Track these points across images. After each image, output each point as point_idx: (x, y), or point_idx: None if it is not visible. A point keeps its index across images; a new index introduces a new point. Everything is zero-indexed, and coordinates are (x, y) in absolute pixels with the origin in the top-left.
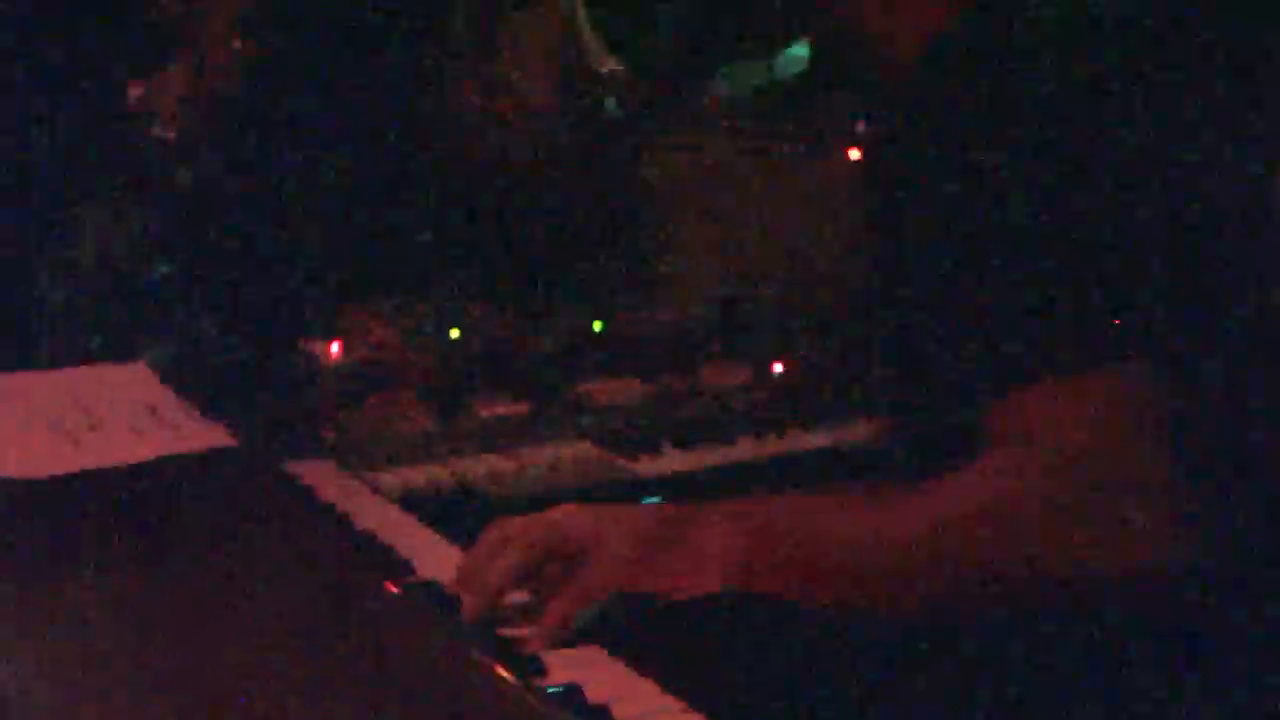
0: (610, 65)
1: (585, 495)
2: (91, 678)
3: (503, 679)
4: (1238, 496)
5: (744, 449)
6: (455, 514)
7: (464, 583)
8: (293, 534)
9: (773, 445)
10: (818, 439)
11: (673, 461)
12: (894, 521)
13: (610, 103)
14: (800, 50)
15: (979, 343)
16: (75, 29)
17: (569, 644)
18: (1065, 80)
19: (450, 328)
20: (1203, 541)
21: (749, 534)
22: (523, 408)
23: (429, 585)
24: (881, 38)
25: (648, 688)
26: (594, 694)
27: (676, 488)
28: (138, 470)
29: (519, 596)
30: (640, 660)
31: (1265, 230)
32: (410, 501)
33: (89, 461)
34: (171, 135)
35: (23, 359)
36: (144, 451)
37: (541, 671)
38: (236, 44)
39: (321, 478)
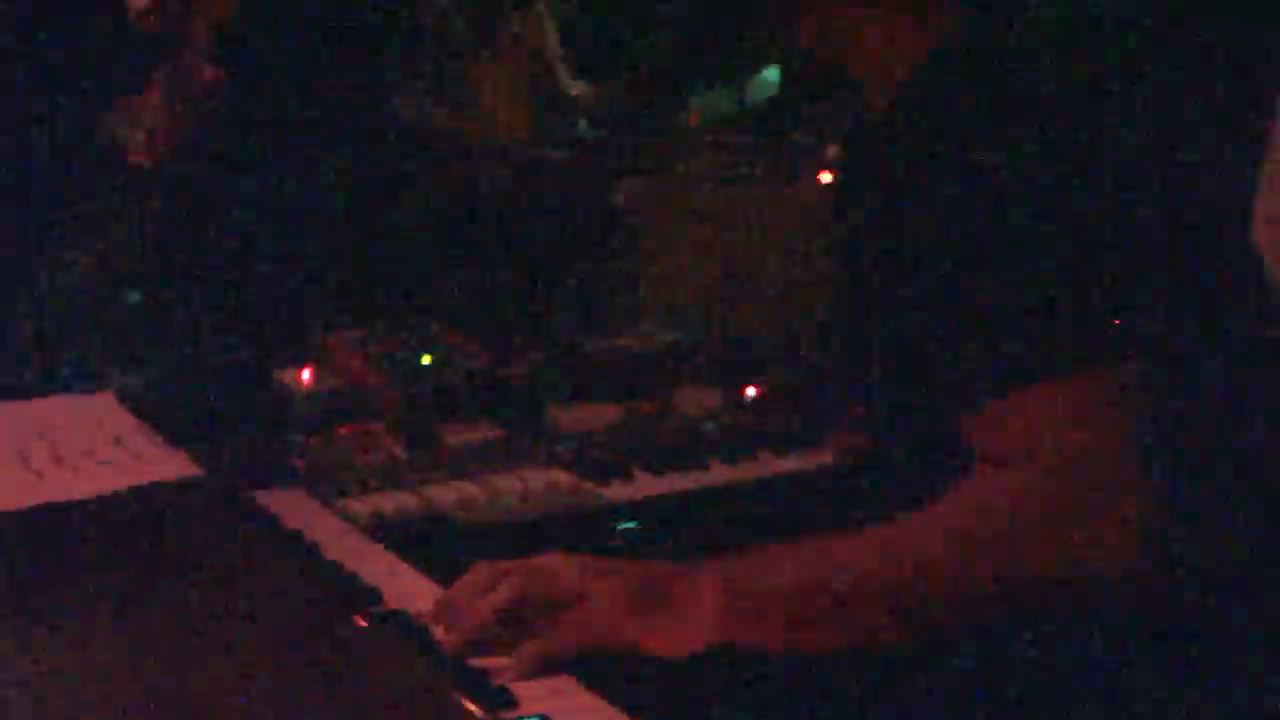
0: (582, 89)
1: (556, 522)
2: (56, 710)
3: (471, 712)
4: (1238, 496)
5: (717, 474)
6: (426, 541)
7: (443, 617)
8: (259, 564)
9: (745, 470)
10: (790, 463)
11: (644, 487)
12: (889, 559)
13: (583, 126)
14: (771, 74)
15: (978, 345)
16: (42, 56)
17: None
18: (1065, 81)
19: (420, 354)
20: (1202, 541)
21: (735, 595)
22: (493, 434)
23: (397, 615)
24: (860, 58)
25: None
26: None
27: (648, 513)
28: (102, 503)
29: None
30: (612, 691)
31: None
32: (380, 528)
33: (53, 494)
34: (144, 161)
35: None
36: (109, 484)
37: (512, 703)
38: (208, 72)
39: (290, 506)
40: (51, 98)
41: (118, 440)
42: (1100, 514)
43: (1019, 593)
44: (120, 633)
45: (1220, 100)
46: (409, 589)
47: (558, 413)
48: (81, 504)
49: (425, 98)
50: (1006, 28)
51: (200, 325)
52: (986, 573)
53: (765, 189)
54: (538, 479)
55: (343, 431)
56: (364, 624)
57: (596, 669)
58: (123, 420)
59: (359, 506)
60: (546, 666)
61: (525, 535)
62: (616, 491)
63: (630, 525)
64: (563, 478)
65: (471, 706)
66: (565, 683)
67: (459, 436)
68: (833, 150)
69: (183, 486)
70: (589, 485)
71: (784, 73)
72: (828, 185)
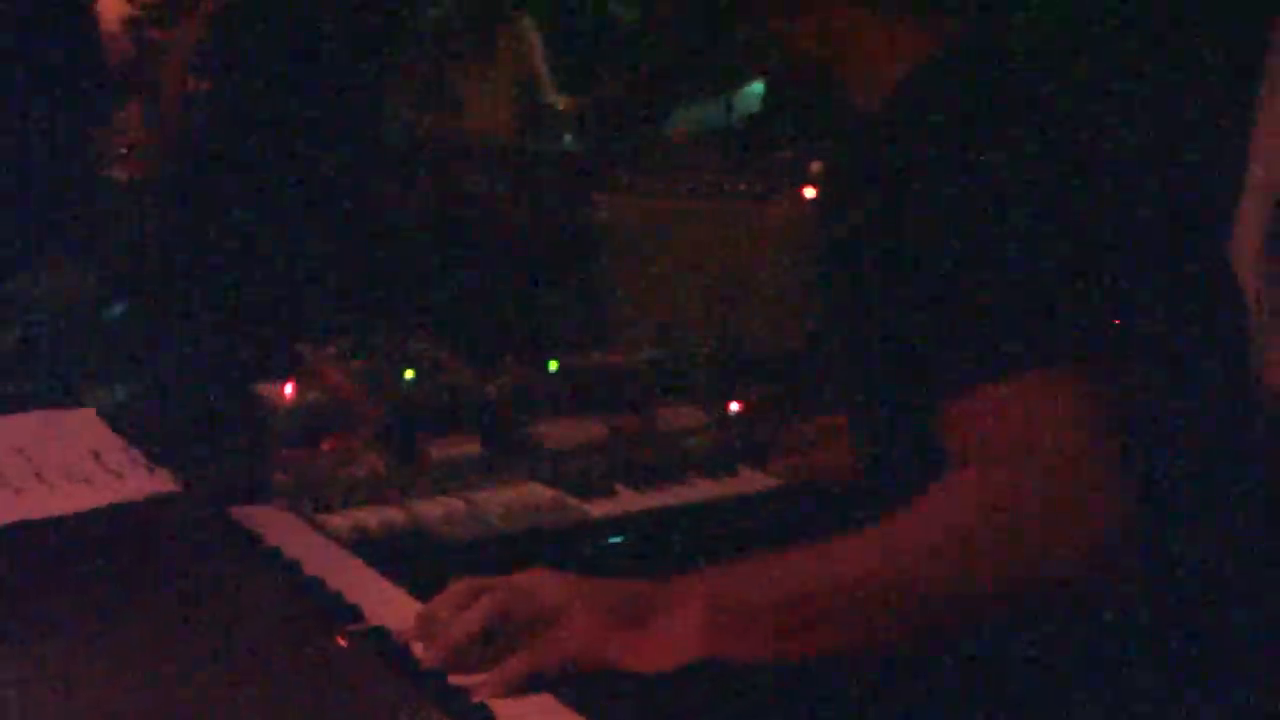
0: (565, 103)
1: (539, 537)
2: None
3: None
4: (1237, 496)
5: (698, 490)
6: (408, 556)
7: (424, 632)
8: (240, 580)
9: (727, 486)
10: (772, 479)
11: (626, 503)
12: (882, 560)
13: (568, 139)
14: (755, 88)
15: (974, 331)
16: (27, 78)
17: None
18: (1065, 80)
19: (403, 369)
20: (1202, 541)
21: (719, 610)
22: (475, 449)
23: (377, 630)
24: (860, 58)
25: None
26: None
27: (631, 529)
28: (83, 519)
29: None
30: (591, 709)
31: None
32: (362, 543)
33: (33, 511)
34: (125, 178)
35: None
36: (89, 500)
37: None
38: (189, 87)
39: (271, 521)
40: (25, 114)
41: (98, 456)
42: (1099, 513)
43: (1016, 592)
44: (101, 649)
45: (1217, 100)
46: (390, 605)
47: (540, 428)
48: (61, 520)
49: (411, 113)
50: (1007, 28)
51: (182, 340)
52: (985, 572)
53: (749, 204)
54: (520, 494)
55: (324, 446)
56: (344, 641)
57: (575, 686)
58: (103, 436)
59: (340, 521)
60: (526, 684)
61: (508, 550)
62: (599, 507)
63: (619, 540)
64: (545, 493)
65: None
66: (544, 700)
67: (441, 451)
68: (816, 166)
69: (163, 502)
70: (572, 501)
71: (768, 86)
72: (811, 200)
